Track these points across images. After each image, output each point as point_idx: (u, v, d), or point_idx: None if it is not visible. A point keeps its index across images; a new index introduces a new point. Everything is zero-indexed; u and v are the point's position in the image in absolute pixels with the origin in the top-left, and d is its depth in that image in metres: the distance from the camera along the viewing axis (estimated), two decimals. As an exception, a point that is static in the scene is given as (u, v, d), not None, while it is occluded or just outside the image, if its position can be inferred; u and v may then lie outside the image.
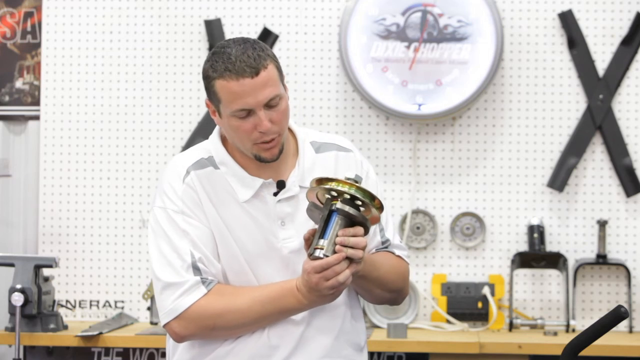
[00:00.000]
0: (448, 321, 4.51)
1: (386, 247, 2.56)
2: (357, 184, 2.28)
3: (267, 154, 2.41)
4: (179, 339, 2.43)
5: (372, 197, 2.29)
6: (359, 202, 2.28)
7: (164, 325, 2.42)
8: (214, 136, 2.51)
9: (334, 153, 2.53)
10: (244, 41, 2.39)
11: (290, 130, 2.52)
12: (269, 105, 2.37)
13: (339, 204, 2.27)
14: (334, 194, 2.28)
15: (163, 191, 2.46)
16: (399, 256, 2.57)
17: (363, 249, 2.30)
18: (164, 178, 2.48)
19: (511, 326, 4.44)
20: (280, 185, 2.45)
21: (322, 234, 2.28)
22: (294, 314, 2.40)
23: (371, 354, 4.20)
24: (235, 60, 2.35)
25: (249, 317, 2.38)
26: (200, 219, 2.42)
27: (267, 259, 2.43)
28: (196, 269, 2.39)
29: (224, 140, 2.49)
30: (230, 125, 2.40)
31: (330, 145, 2.55)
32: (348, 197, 2.27)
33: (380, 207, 2.31)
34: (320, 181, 2.30)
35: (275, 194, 2.45)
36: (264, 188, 2.44)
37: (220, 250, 2.42)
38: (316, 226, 2.32)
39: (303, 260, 2.38)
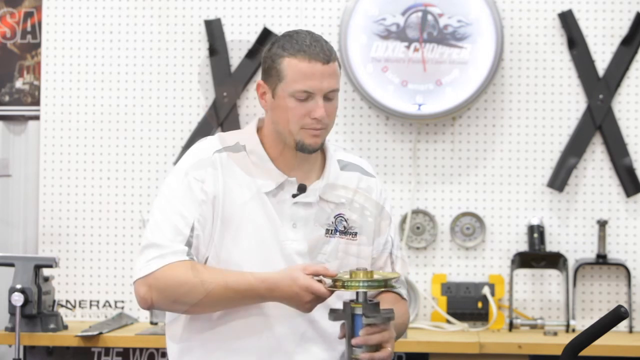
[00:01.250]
0: (448, 321, 4.51)
1: (391, 254, 2.61)
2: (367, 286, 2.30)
3: (311, 141, 2.43)
4: (142, 302, 2.42)
5: (385, 282, 2.32)
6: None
7: (133, 283, 2.42)
8: (252, 126, 2.54)
9: (358, 175, 2.58)
10: (317, 36, 2.48)
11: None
12: (327, 96, 2.43)
13: (358, 310, 2.29)
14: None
15: (192, 157, 2.47)
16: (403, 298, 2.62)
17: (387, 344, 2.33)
18: (197, 147, 2.50)
19: (511, 326, 4.44)
20: (302, 188, 2.47)
21: (353, 339, 2.30)
22: (248, 303, 2.40)
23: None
24: (310, 44, 2.44)
25: (213, 297, 2.36)
26: (217, 194, 2.42)
27: (270, 254, 2.43)
28: (189, 245, 2.40)
29: (259, 131, 2.52)
30: (285, 105, 2.42)
31: (355, 166, 2.59)
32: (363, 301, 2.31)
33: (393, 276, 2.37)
34: (336, 282, 2.33)
35: (294, 196, 2.46)
36: (285, 185, 2.47)
37: (228, 233, 2.43)
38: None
39: (308, 262, 2.42)
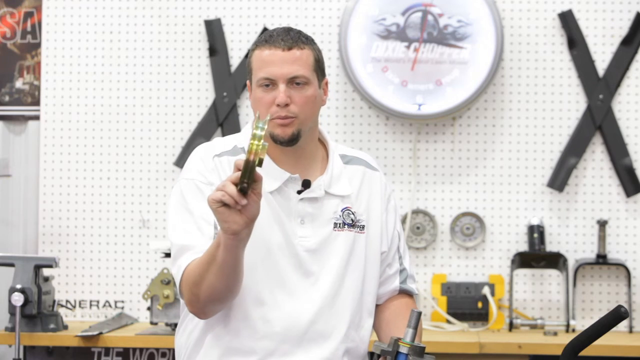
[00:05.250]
0: (448, 321, 4.51)
1: (404, 281, 2.62)
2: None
3: (279, 131, 2.43)
4: (189, 309, 2.40)
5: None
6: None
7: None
8: (249, 126, 2.55)
9: (362, 169, 2.58)
10: (291, 28, 2.49)
11: (321, 141, 2.56)
12: (294, 82, 2.43)
13: (404, 349, 2.29)
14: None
15: (193, 164, 2.48)
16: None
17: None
18: (196, 154, 2.50)
19: (511, 326, 4.44)
20: (306, 184, 2.46)
21: None
22: (223, 257, 2.26)
23: (371, 354, 4.19)
24: (275, 35, 2.45)
25: (201, 270, 2.31)
26: None
27: (281, 253, 2.43)
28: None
29: None
30: (255, 98, 2.45)
31: (359, 160, 2.60)
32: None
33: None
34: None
35: (299, 192, 2.46)
36: (289, 183, 2.47)
37: None
38: None
39: (316, 259, 2.44)
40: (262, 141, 2.14)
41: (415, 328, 2.29)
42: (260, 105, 2.43)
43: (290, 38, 2.44)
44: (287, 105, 2.42)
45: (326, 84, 2.53)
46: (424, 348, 2.29)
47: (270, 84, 2.43)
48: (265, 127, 2.15)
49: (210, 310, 2.40)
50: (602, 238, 4.52)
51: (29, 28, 4.78)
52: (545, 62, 4.63)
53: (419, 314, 2.29)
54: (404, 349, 2.28)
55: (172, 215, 2.46)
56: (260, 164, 2.15)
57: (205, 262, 2.30)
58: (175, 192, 2.47)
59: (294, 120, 2.43)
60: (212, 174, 2.44)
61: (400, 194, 4.63)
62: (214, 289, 2.32)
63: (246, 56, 4.64)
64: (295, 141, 2.45)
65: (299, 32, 2.48)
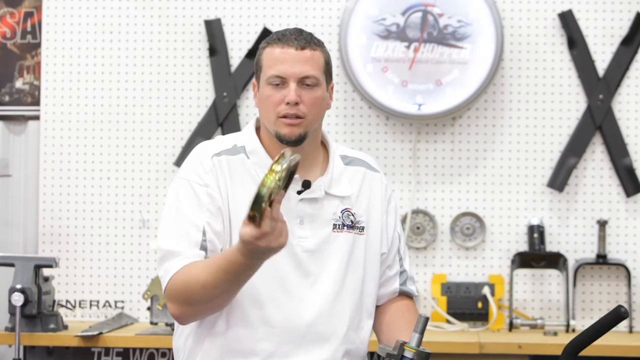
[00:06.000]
0: (448, 321, 4.51)
1: (404, 282, 2.62)
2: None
3: (286, 130, 2.42)
4: (175, 319, 2.41)
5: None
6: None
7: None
8: (250, 126, 2.55)
9: (363, 170, 2.58)
10: (303, 30, 2.49)
11: (322, 143, 2.57)
12: (304, 83, 2.43)
13: (409, 353, 2.28)
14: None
15: (190, 164, 2.48)
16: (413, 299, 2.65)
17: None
18: (195, 153, 2.50)
19: (511, 326, 4.44)
20: (306, 184, 2.46)
21: None
22: (249, 276, 2.28)
23: (371, 354, 4.20)
24: (287, 34, 2.46)
25: (209, 288, 2.30)
26: (222, 197, 2.42)
27: (280, 253, 2.42)
28: (204, 249, 2.38)
29: (257, 131, 2.53)
30: (263, 95, 2.45)
31: (360, 161, 2.60)
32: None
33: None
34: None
35: (299, 193, 2.46)
36: None
37: (235, 236, 2.41)
38: None
39: (315, 260, 2.43)
40: (277, 178, 2.09)
41: (422, 333, 2.28)
42: (268, 103, 2.43)
43: (303, 38, 2.45)
44: (296, 103, 2.43)
45: (332, 88, 2.54)
46: (429, 354, 2.28)
47: (280, 82, 2.43)
48: (285, 165, 2.09)
49: (201, 319, 2.42)
50: (602, 238, 4.52)
51: (29, 28, 4.78)
52: (545, 62, 4.63)
53: (427, 319, 2.28)
54: (409, 354, 2.28)
55: (164, 215, 2.46)
56: (269, 198, 2.10)
57: (222, 284, 2.28)
58: (172, 190, 2.48)
59: (302, 120, 2.43)
60: (209, 174, 2.44)
61: (400, 194, 4.63)
62: (227, 303, 2.35)
63: (246, 56, 4.64)
64: (301, 142, 2.45)
65: (311, 34, 2.49)
